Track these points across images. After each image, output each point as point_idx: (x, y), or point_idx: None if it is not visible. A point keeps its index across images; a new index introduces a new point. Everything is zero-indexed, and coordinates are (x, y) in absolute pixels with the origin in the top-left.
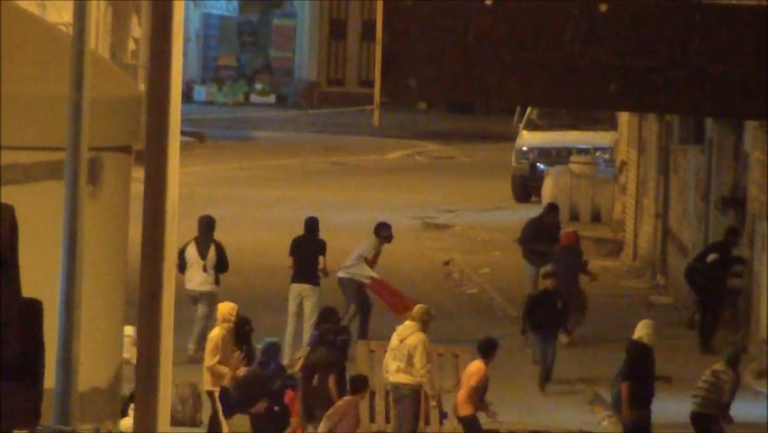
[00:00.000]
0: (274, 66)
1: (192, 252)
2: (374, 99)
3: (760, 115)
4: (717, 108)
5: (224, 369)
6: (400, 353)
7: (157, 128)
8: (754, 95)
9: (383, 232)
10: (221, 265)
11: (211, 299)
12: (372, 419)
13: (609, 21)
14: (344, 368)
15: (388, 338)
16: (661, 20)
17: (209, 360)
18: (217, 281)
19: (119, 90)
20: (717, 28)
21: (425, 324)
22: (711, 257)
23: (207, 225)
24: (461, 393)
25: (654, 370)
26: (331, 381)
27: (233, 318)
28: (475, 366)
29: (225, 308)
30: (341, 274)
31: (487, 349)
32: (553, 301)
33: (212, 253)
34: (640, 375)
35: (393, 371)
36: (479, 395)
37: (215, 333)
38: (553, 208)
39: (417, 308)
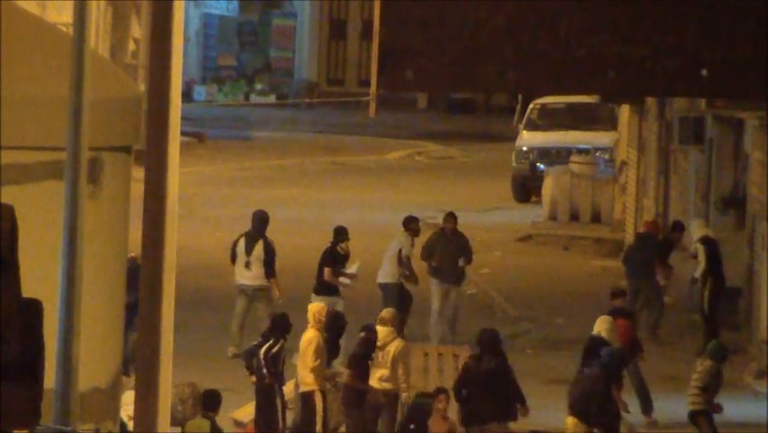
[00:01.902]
0: (274, 66)
1: (240, 246)
2: (370, 90)
3: (759, 95)
4: (715, 91)
5: (327, 370)
6: (383, 360)
7: (157, 128)
8: (752, 77)
9: (413, 225)
10: (267, 263)
11: (254, 295)
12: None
13: (605, 10)
14: (368, 364)
15: None
16: (657, 7)
17: (313, 361)
18: (268, 276)
19: (119, 90)
20: (713, 14)
21: (397, 327)
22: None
23: (260, 220)
24: None
25: None
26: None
27: (324, 318)
28: None
29: (316, 308)
30: (387, 280)
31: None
32: None
33: (258, 249)
34: None
35: (377, 378)
36: None
37: (313, 335)
38: (448, 218)
39: (388, 312)
